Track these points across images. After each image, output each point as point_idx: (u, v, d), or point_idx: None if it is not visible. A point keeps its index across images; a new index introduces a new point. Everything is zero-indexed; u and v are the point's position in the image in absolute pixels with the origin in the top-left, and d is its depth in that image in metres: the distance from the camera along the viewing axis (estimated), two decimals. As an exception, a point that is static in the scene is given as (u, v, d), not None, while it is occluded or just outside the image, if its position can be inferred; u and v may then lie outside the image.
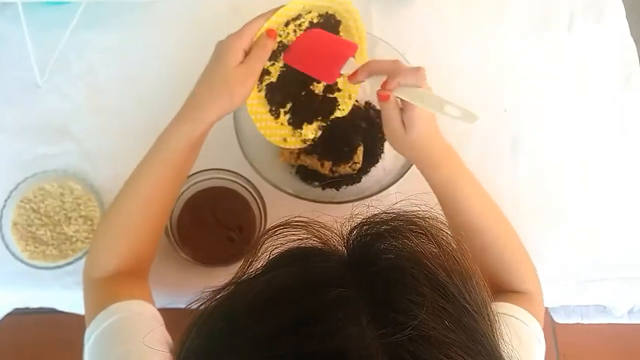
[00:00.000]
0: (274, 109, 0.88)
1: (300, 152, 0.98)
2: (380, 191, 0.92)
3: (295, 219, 0.60)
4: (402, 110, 0.77)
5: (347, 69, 0.80)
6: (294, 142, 0.92)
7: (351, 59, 0.80)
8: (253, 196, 0.95)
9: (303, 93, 0.90)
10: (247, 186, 0.94)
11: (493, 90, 1.09)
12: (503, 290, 0.81)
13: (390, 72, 0.76)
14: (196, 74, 1.06)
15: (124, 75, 1.07)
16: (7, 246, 0.92)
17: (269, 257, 0.57)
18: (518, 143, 1.05)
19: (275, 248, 0.57)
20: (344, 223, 0.59)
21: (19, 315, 1.02)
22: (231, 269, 0.91)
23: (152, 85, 1.07)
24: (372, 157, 1.01)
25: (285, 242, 0.57)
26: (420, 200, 0.62)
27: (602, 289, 1.01)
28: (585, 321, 1.24)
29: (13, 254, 0.92)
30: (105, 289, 0.76)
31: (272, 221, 0.94)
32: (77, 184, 0.97)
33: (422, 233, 0.54)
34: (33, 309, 0.99)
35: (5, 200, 0.93)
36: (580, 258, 1.00)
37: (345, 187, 1.00)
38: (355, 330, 0.43)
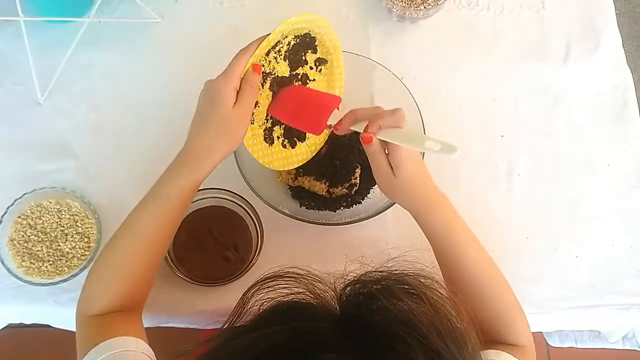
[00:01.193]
0: (267, 136, 0.88)
1: (298, 173, 0.98)
2: (377, 214, 0.93)
3: (288, 270, 0.60)
4: (388, 154, 0.78)
5: (332, 119, 0.84)
6: (295, 162, 0.93)
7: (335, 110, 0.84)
8: (250, 216, 0.95)
9: None
10: (244, 206, 0.95)
11: (490, 115, 1.10)
12: (497, 342, 0.80)
13: (372, 117, 0.78)
14: (196, 94, 1.07)
15: (124, 94, 1.08)
16: (2, 262, 0.92)
17: (259, 309, 0.57)
18: (513, 168, 1.06)
19: (265, 302, 0.57)
20: (337, 279, 0.59)
21: (15, 329, 1.01)
22: (227, 288, 0.92)
23: (152, 105, 1.07)
24: (370, 179, 1.01)
25: (275, 295, 0.57)
26: (414, 257, 0.62)
27: (596, 315, 1.01)
28: (580, 346, 1.24)
29: (9, 270, 0.92)
30: (98, 325, 0.76)
31: (268, 241, 0.94)
32: (75, 201, 0.98)
33: (414, 293, 0.54)
34: (27, 324, 0.99)
35: (2, 216, 0.94)
36: (575, 284, 1.01)
37: (342, 208, 1.00)
38: None
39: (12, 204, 0.94)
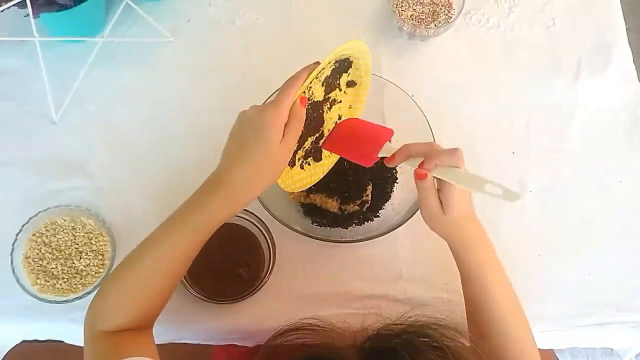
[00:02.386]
0: (291, 159, 0.85)
1: (310, 190, 0.99)
2: (389, 231, 0.93)
3: (308, 321, 0.59)
4: (439, 190, 0.77)
5: (384, 151, 0.83)
6: (308, 182, 0.93)
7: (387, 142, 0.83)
8: (262, 233, 0.96)
9: (316, 135, 0.91)
10: (256, 223, 0.95)
11: (502, 132, 1.10)
12: None
13: (427, 154, 0.76)
14: (209, 112, 1.08)
15: (138, 113, 1.09)
16: (17, 279, 0.92)
17: None
18: (525, 185, 1.06)
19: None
20: (357, 332, 0.59)
21: (29, 344, 1.01)
22: (238, 305, 0.92)
23: (166, 123, 1.09)
24: (382, 196, 1.02)
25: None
26: (434, 307, 0.62)
27: (609, 332, 1.00)
28: (592, 363, 1.23)
29: (23, 287, 0.92)
30: (110, 343, 0.75)
31: (280, 259, 0.95)
32: (89, 219, 0.98)
33: (437, 346, 0.53)
34: (41, 341, 1.00)
35: (17, 234, 0.94)
36: (588, 301, 1.00)
37: (353, 226, 1.00)
38: None
39: (27, 222, 0.95)
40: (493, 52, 1.17)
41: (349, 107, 0.93)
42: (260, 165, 0.74)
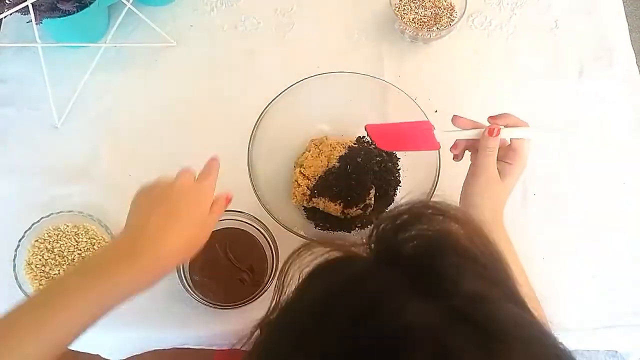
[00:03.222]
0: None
1: (312, 194, 0.99)
2: (392, 234, 0.92)
3: (315, 239, 0.59)
4: (508, 156, 0.80)
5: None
6: None
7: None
8: (265, 237, 0.95)
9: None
10: (259, 227, 0.95)
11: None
12: None
13: (495, 119, 0.81)
14: (212, 116, 1.08)
15: (140, 117, 1.10)
16: (20, 286, 0.92)
17: (298, 280, 0.56)
18: (528, 187, 1.05)
19: (299, 273, 0.56)
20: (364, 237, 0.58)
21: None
22: (241, 309, 0.92)
23: (169, 128, 1.09)
24: (385, 199, 1.01)
25: (308, 262, 0.56)
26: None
27: (614, 335, 1.00)
28: (595, 365, 1.22)
29: (26, 294, 0.92)
30: None
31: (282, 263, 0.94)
32: (92, 225, 0.98)
33: (440, 214, 0.53)
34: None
35: (20, 240, 0.94)
36: (592, 303, 1.00)
37: (356, 229, 1.00)
38: (410, 305, 0.43)
39: (29, 228, 0.95)
40: (496, 55, 1.16)
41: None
42: (195, 232, 0.70)
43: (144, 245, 0.66)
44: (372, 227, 0.54)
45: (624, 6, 1.22)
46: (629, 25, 1.20)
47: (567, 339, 0.99)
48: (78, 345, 0.99)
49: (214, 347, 1.00)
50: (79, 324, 0.62)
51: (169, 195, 0.70)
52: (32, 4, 0.90)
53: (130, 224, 0.69)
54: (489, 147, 0.79)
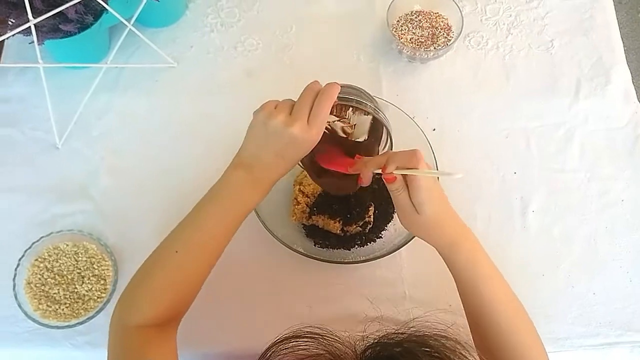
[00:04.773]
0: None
1: (312, 212, 0.99)
2: (392, 252, 0.93)
3: (307, 330, 0.59)
4: (410, 193, 0.77)
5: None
6: None
7: None
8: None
9: None
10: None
11: (503, 152, 1.10)
12: None
13: (388, 160, 0.77)
14: (212, 135, 1.09)
15: (141, 137, 1.10)
16: (20, 305, 0.92)
17: None
18: (527, 205, 1.06)
19: None
20: (358, 341, 0.58)
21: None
22: (239, 324, 0.91)
23: (169, 148, 1.09)
24: (384, 217, 1.02)
25: (294, 358, 0.56)
26: (436, 318, 0.61)
27: (615, 353, 0.99)
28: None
29: (25, 313, 0.92)
30: (135, 341, 0.74)
31: (281, 280, 0.94)
32: (92, 244, 0.98)
33: (437, 357, 0.53)
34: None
35: (20, 259, 0.95)
36: (592, 321, 0.99)
37: (356, 247, 1.00)
38: None
39: (29, 247, 0.95)
40: (492, 74, 1.18)
41: None
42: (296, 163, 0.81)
43: (261, 175, 0.79)
44: (370, 343, 0.54)
45: (620, 28, 1.23)
46: (625, 46, 1.21)
47: (568, 356, 1.00)
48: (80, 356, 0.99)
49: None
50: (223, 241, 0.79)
51: (281, 138, 0.76)
52: (34, 25, 0.91)
53: (246, 149, 0.80)
54: (392, 190, 0.78)
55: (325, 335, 0.58)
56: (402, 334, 0.57)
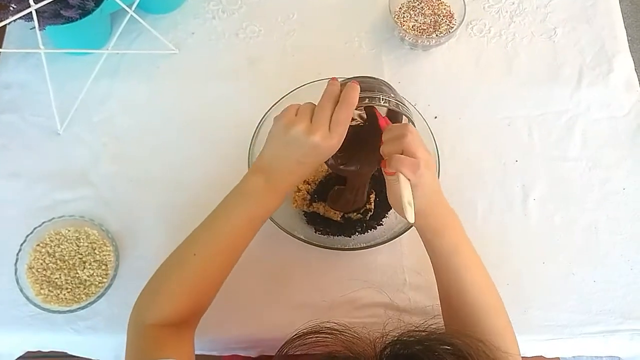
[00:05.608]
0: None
1: (313, 199, 0.99)
2: (392, 238, 0.93)
3: (325, 325, 0.59)
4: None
5: None
6: None
7: None
8: None
9: None
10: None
11: (504, 140, 1.10)
12: None
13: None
14: (212, 122, 1.08)
15: (142, 123, 1.10)
16: (21, 289, 0.93)
17: None
18: (528, 193, 1.06)
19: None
20: (377, 339, 0.58)
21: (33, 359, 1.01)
22: (244, 313, 0.91)
23: (170, 134, 1.09)
24: (385, 204, 1.02)
25: (309, 350, 0.56)
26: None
27: (616, 341, 0.99)
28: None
29: (27, 297, 0.92)
30: (152, 339, 0.75)
31: (282, 268, 0.94)
32: (93, 229, 0.99)
33: (458, 355, 0.53)
34: (45, 352, 0.99)
35: (21, 244, 0.95)
36: (593, 309, 0.99)
37: (356, 234, 1.00)
38: None
39: (31, 232, 0.95)
40: (495, 62, 1.17)
41: None
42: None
43: (281, 181, 0.79)
44: (390, 341, 0.54)
45: (624, 17, 1.22)
46: (629, 35, 1.20)
47: (568, 343, 1.00)
48: (80, 351, 0.99)
49: (214, 353, 1.00)
50: (237, 230, 0.79)
51: (302, 146, 0.75)
52: (35, 10, 0.91)
53: (266, 155, 0.80)
54: (388, 179, 0.78)
55: (343, 332, 0.58)
56: (422, 331, 0.56)
